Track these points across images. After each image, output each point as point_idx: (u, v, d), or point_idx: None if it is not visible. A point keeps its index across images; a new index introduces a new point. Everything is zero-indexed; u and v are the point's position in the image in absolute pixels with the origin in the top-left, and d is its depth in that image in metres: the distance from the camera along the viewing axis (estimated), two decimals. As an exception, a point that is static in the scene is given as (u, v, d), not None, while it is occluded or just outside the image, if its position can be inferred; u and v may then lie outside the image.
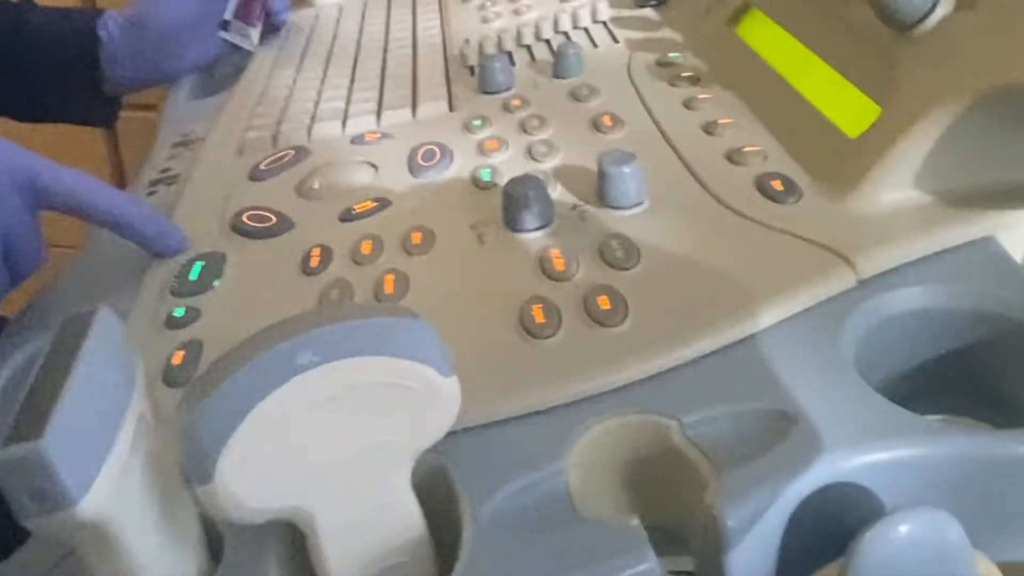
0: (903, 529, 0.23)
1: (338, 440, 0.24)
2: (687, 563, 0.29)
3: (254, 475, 0.23)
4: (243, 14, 0.67)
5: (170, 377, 0.33)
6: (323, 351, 0.23)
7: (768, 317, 0.30)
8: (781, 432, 0.26)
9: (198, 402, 0.22)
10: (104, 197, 0.41)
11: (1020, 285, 0.30)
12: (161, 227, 0.42)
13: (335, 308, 0.34)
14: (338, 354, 0.24)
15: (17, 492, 0.20)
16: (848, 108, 0.38)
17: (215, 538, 0.27)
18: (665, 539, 0.26)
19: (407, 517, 0.26)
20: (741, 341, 0.30)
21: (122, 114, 0.72)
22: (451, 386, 0.25)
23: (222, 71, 0.69)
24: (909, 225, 0.32)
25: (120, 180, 0.95)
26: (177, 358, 0.34)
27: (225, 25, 0.67)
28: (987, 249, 0.32)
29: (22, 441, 0.20)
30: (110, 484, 0.22)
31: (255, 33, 0.68)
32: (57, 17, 0.66)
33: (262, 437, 0.23)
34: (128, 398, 0.24)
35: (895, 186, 0.33)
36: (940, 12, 0.33)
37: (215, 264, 0.40)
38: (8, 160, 0.39)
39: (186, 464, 0.23)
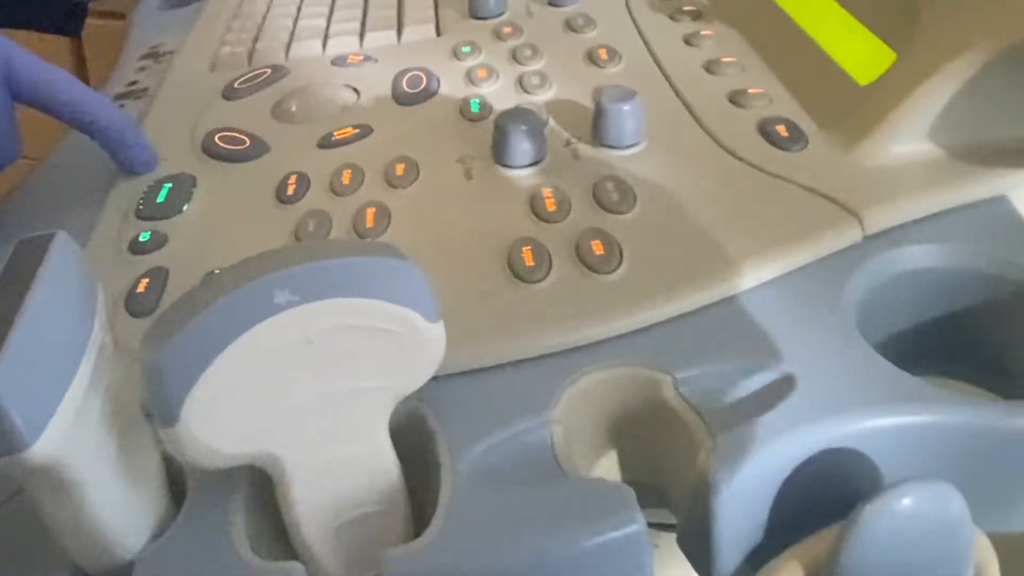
0: (906, 502, 0.22)
1: (313, 384, 0.23)
2: (660, 515, 0.28)
3: (222, 418, 0.22)
4: None
5: (133, 305, 0.31)
6: (302, 290, 0.22)
7: (769, 271, 0.29)
8: (779, 393, 0.25)
9: (165, 339, 0.21)
10: (79, 94, 0.39)
11: (1032, 248, 0.29)
12: (135, 137, 0.40)
13: (316, 244, 0.32)
14: (318, 294, 0.22)
15: (-38, 431, 0.19)
16: (860, 53, 0.36)
17: (178, 479, 0.26)
18: (645, 492, 0.25)
19: (382, 466, 0.25)
20: (740, 295, 0.28)
21: (89, 22, 0.68)
22: (436, 332, 0.24)
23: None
24: (920, 180, 0.31)
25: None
26: (141, 285, 0.32)
27: None
28: (999, 209, 0.30)
29: (-32, 376, 0.18)
30: (66, 425, 0.20)
31: None
32: None
33: (232, 379, 0.21)
34: (87, 330, 0.22)
35: (907, 138, 0.32)
36: (968, -45, 0.31)
37: (184, 187, 0.38)
38: None
39: (150, 405, 0.21)
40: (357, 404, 0.23)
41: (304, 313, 0.22)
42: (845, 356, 0.26)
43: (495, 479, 0.24)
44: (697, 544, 0.25)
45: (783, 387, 0.25)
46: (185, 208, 0.36)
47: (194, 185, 0.38)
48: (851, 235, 0.30)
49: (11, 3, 0.63)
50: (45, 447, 0.19)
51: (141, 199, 0.37)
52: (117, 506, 0.23)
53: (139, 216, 0.36)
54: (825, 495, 0.24)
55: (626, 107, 0.35)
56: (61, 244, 0.22)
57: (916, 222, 0.30)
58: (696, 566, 0.26)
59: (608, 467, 0.28)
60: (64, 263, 0.22)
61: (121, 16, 0.75)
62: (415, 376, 0.24)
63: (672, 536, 0.27)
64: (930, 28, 0.32)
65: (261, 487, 0.25)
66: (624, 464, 0.28)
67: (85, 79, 0.87)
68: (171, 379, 0.21)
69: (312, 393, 0.23)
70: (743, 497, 0.24)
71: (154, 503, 0.25)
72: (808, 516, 0.24)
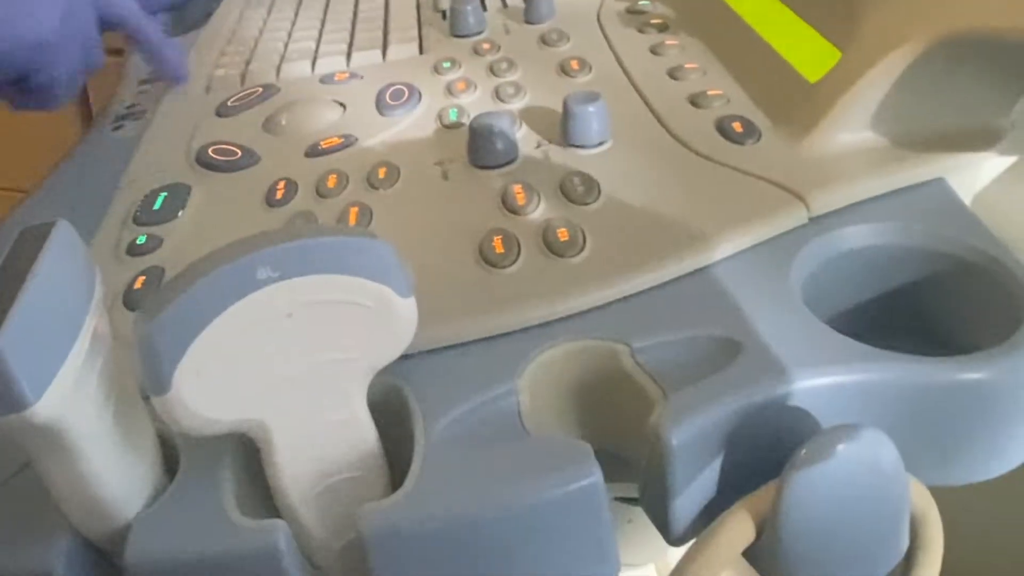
0: (840, 447, 0.24)
1: (294, 355, 0.25)
2: (631, 490, 0.30)
3: (210, 387, 0.24)
4: None
5: (130, 300, 0.33)
6: (282, 267, 0.24)
7: (721, 250, 0.31)
8: (728, 357, 0.27)
9: (156, 313, 0.23)
10: (145, 21, 0.52)
11: (967, 224, 0.31)
12: (180, 58, 0.53)
13: (297, 227, 0.34)
14: (297, 271, 0.24)
15: (-30, 391, 0.21)
16: (810, 54, 0.38)
17: (172, 458, 0.28)
18: (611, 464, 0.27)
19: (361, 433, 0.27)
20: (694, 273, 0.31)
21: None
22: (409, 307, 0.26)
23: (193, 13, 0.68)
24: (862, 165, 0.33)
25: (87, 122, 0.94)
26: (138, 282, 0.34)
27: None
28: (937, 190, 0.32)
29: (-24, 341, 0.20)
30: (65, 389, 0.22)
31: None
32: None
33: (218, 350, 0.23)
34: (86, 307, 0.24)
35: (851, 128, 0.34)
36: (901, -43, 0.34)
37: (179, 195, 0.40)
38: None
39: (142, 374, 0.23)
40: (335, 374, 0.25)
41: (284, 288, 0.24)
42: (789, 323, 0.28)
43: (465, 441, 0.26)
44: (655, 501, 0.27)
45: (731, 352, 0.27)
46: (180, 214, 0.39)
47: (188, 193, 0.40)
48: (797, 217, 0.32)
49: None
50: (46, 407, 0.21)
51: (138, 207, 0.39)
52: (114, 472, 0.25)
53: (136, 222, 0.38)
54: (773, 452, 0.26)
55: (591, 108, 0.37)
56: (62, 230, 0.24)
57: (859, 204, 0.32)
58: (656, 522, 0.28)
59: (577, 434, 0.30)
60: (65, 246, 0.24)
61: (120, 52, 0.78)
62: (389, 348, 0.26)
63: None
64: (868, 26, 0.34)
65: (248, 455, 0.27)
66: (589, 433, 0.29)
67: (87, 108, 0.90)
68: (162, 349, 0.23)
69: (293, 363, 0.25)
70: (694, 450, 0.26)
71: (150, 473, 0.26)
72: (758, 472, 0.26)
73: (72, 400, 0.22)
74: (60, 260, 0.23)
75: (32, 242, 0.23)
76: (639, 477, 0.28)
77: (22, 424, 0.21)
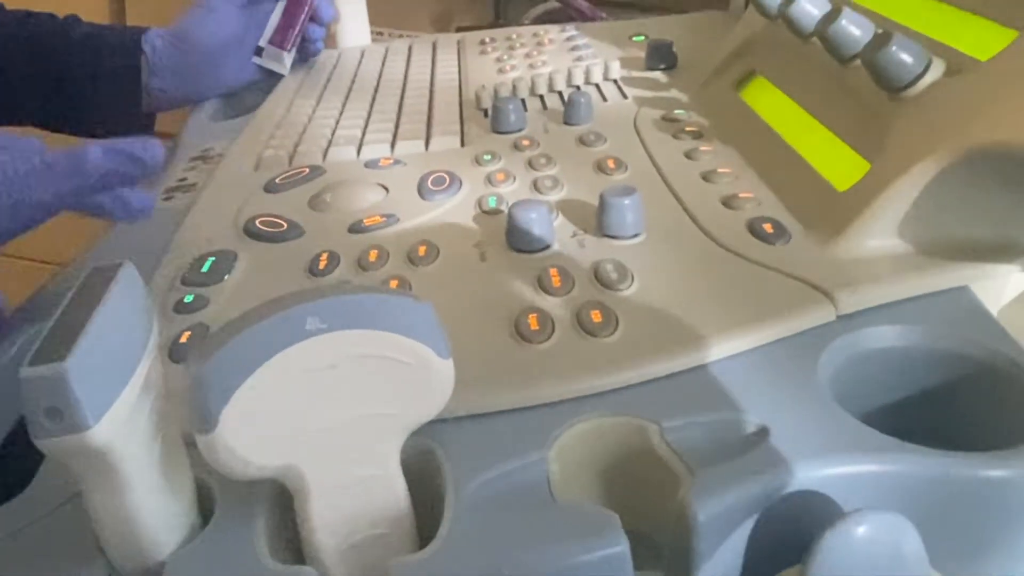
0: (861, 530, 0.24)
1: (335, 406, 0.25)
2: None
3: (253, 430, 0.24)
4: (278, 39, 0.70)
5: (176, 354, 0.34)
6: (331, 319, 0.25)
7: (750, 340, 0.32)
8: (755, 441, 0.28)
9: (209, 354, 0.24)
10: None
11: (989, 329, 0.31)
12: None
13: (346, 284, 0.36)
14: (344, 324, 0.25)
15: (35, 410, 0.22)
16: (840, 165, 0.40)
17: (206, 504, 0.28)
18: (634, 550, 0.27)
19: (393, 491, 0.27)
20: (724, 359, 0.31)
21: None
22: (446, 368, 0.27)
23: (245, 98, 0.72)
24: (890, 270, 0.34)
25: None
26: (183, 337, 0.35)
27: (259, 51, 0.70)
28: (961, 297, 0.33)
29: (46, 362, 0.21)
30: (122, 416, 0.23)
31: (288, 58, 0.71)
32: (103, 30, 0.69)
33: (265, 394, 0.24)
34: (145, 343, 0.25)
35: (878, 234, 0.35)
36: (930, 77, 0.36)
37: (226, 261, 0.42)
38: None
39: (191, 412, 0.24)
40: (373, 428, 0.26)
41: (331, 340, 0.25)
42: (816, 412, 0.29)
43: (494, 505, 0.27)
44: (678, 579, 0.27)
45: (758, 436, 0.28)
46: (226, 277, 0.40)
47: (235, 260, 0.42)
48: (825, 314, 0.33)
49: (87, 108, 0.69)
50: (103, 431, 0.22)
51: (187, 269, 0.41)
52: (154, 505, 0.25)
53: (184, 283, 0.40)
54: (796, 537, 0.27)
55: (626, 201, 0.39)
56: (129, 272, 0.26)
57: (886, 306, 0.33)
58: (678, 603, 0.28)
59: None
60: (130, 286, 0.25)
61: (170, 136, 0.81)
62: (426, 407, 0.27)
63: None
64: (896, 139, 0.36)
65: (282, 504, 0.27)
66: (617, 508, 0.30)
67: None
68: (212, 388, 0.24)
69: (334, 414, 0.26)
70: (719, 528, 0.26)
71: (186, 515, 0.27)
72: (781, 556, 0.27)
73: (125, 430, 0.23)
74: (125, 298, 0.25)
75: (101, 279, 0.25)
76: (663, 557, 0.28)
77: (79, 446, 0.22)
